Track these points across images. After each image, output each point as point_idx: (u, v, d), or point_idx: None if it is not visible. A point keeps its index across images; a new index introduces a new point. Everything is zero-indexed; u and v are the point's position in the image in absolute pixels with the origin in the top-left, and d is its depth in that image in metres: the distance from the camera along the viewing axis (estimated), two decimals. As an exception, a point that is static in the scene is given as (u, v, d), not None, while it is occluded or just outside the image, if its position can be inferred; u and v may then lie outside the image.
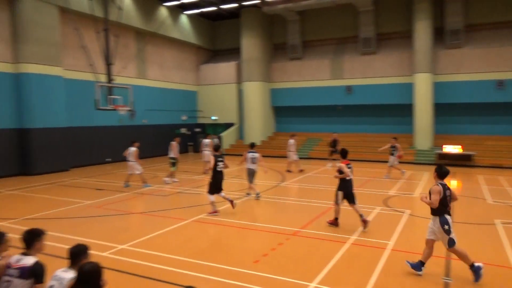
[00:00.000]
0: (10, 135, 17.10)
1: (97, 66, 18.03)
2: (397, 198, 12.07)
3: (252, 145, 12.68)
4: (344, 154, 9.09)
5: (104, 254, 7.12)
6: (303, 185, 14.71)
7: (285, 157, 18.59)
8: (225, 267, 6.50)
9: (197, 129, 28.93)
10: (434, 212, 6.06)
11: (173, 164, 15.22)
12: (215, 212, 10.08)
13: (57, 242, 7.54)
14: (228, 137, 27.19)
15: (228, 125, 28.40)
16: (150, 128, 24.62)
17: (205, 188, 13.85)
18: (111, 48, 17.58)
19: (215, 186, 10.16)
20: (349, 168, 8.82)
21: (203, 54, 29.94)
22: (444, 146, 20.47)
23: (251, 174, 12.26)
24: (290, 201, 12.34)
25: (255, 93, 26.48)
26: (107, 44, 17.46)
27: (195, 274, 6.23)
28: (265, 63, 26.96)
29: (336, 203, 8.92)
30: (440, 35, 22.61)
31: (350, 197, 8.78)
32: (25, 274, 4.00)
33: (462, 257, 5.99)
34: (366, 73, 24.39)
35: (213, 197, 10.15)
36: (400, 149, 16.35)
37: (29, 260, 4.09)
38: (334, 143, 19.43)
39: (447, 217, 6.00)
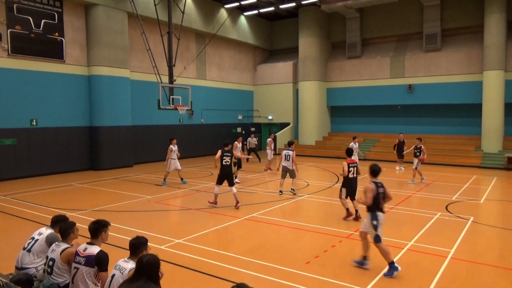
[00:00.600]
0: (82, 132, 18.52)
1: (160, 68, 18.94)
2: (460, 204, 11.37)
3: (289, 144, 13.02)
4: (348, 153, 9.82)
5: (162, 247, 7.48)
6: (358, 187, 14.31)
7: (340, 158, 18.22)
8: (276, 266, 6.55)
9: (253, 129, 29.29)
10: (368, 208, 6.42)
11: (234, 164, 15.18)
12: (214, 203, 10.99)
13: (119, 234, 8.06)
14: (282, 137, 27.20)
15: (283, 125, 28.44)
16: (207, 127, 25.36)
17: (260, 188, 14.05)
18: (173, 50, 18.35)
19: (220, 178, 11.00)
20: (353, 167, 9.50)
21: (260, 54, 30.24)
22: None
23: (285, 171, 12.63)
24: (344, 203, 12.10)
25: (311, 93, 26.23)
26: (169, 46, 18.25)
27: (246, 272, 6.35)
28: (322, 62, 26.62)
29: (340, 197, 9.68)
30: (514, 29, 20.91)
31: (352, 194, 9.52)
32: (90, 262, 4.34)
33: (384, 254, 6.24)
34: (429, 71, 23.18)
35: (217, 189, 10.98)
36: (424, 152, 15.12)
37: (94, 249, 4.42)
38: (401, 145, 18.42)
39: (379, 213, 6.34)
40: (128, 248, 4.25)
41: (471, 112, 22.41)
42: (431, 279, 6.03)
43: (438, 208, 10.80)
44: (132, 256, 4.18)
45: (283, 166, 12.67)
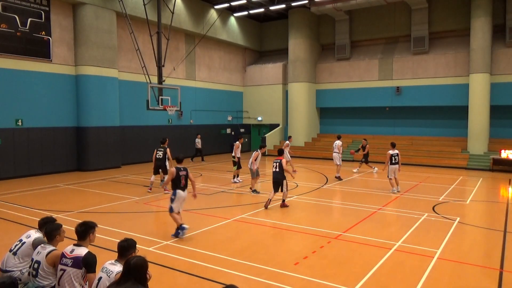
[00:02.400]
0: (69, 133, 18.27)
1: (149, 68, 18.80)
2: (447, 205, 11.53)
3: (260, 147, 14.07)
4: (279, 152, 11.74)
5: (150, 249, 7.43)
6: (347, 188, 14.43)
7: (328, 159, 18.22)
8: (265, 267, 6.55)
9: (242, 130, 29.28)
10: (171, 187, 8.26)
11: (234, 164, 15.40)
12: (149, 189, 13.26)
13: (106, 235, 7.98)
14: (272, 138, 27.25)
15: (273, 126, 28.50)
16: (196, 128, 25.25)
17: (249, 189, 14.04)
18: (163, 51, 18.24)
19: (155, 169, 13.44)
20: (276, 163, 11.06)
21: (250, 55, 30.25)
22: (502, 150, 19.07)
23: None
24: (333, 204, 12.17)
25: (301, 94, 26.34)
26: (159, 46, 18.13)
27: (235, 273, 6.34)
28: (311, 64, 26.75)
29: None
30: (499, 33, 21.30)
31: (275, 186, 11.07)
32: (78, 263, 4.29)
33: (175, 220, 8.16)
34: (417, 74, 23.46)
35: (153, 178, 13.42)
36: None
37: (82, 251, 4.38)
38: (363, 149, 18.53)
39: (178, 191, 8.17)
40: (115, 250, 4.21)
41: (457, 114, 22.75)
42: (418, 279, 6.10)
43: (425, 209, 10.93)
44: (119, 259, 4.13)
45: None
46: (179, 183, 8.18)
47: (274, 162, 11.14)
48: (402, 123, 24.89)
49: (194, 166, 20.53)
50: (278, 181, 11.00)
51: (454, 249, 7.56)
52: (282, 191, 11.08)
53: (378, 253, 7.27)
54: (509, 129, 21.51)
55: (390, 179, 13.31)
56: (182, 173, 8.24)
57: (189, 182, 8.43)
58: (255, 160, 13.50)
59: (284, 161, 11.10)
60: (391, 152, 13.30)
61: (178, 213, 8.22)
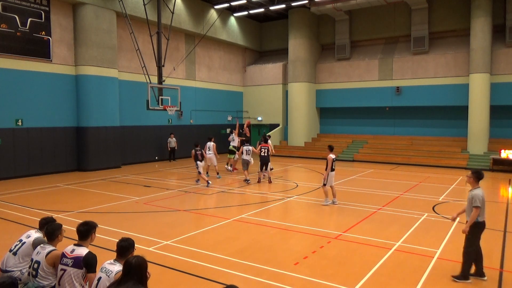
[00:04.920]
0: (69, 133, 18.27)
1: (149, 68, 18.79)
2: (447, 205, 11.53)
3: (246, 141, 16.22)
4: (265, 140, 15.26)
5: (149, 249, 7.42)
6: (347, 188, 14.44)
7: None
8: (265, 267, 6.55)
9: (241, 130, 29.18)
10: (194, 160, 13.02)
11: (232, 152, 18.13)
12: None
13: (106, 235, 7.98)
14: (271, 138, 27.16)
15: (273, 126, 28.49)
16: (196, 128, 25.26)
17: (249, 189, 14.03)
18: (162, 51, 18.24)
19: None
20: (265, 149, 14.85)
21: (250, 55, 30.24)
22: (502, 150, 19.05)
23: (245, 163, 15.61)
24: (333, 204, 12.14)
25: (301, 94, 26.33)
26: (159, 46, 18.12)
27: (235, 273, 6.34)
28: (311, 63, 26.74)
29: (258, 171, 15.26)
30: (499, 33, 21.30)
31: (265, 166, 14.93)
32: (78, 263, 4.29)
33: (201, 177, 13.39)
34: (417, 74, 23.47)
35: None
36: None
37: (83, 251, 4.38)
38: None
39: (197, 162, 13.91)
40: (114, 249, 4.21)
41: (457, 114, 22.75)
42: (418, 279, 6.10)
43: (425, 208, 10.93)
44: (118, 258, 4.13)
45: (243, 159, 15.58)
46: (197, 158, 14.16)
47: (263, 148, 14.88)
48: (402, 123, 24.89)
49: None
50: (267, 161, 14.90)
51: (454, 249, 7.55)
52: (267, 169, 14.90)
53: (378, 253, 7.27)
54: (509, 129, 21.51)
55: (327, 186, 11.38)
56: (198, 152, 14.25)
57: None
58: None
59: (271, 147, 15.43)
60: (332, 156, 11.30)
61: (206, 173, 14.69)
